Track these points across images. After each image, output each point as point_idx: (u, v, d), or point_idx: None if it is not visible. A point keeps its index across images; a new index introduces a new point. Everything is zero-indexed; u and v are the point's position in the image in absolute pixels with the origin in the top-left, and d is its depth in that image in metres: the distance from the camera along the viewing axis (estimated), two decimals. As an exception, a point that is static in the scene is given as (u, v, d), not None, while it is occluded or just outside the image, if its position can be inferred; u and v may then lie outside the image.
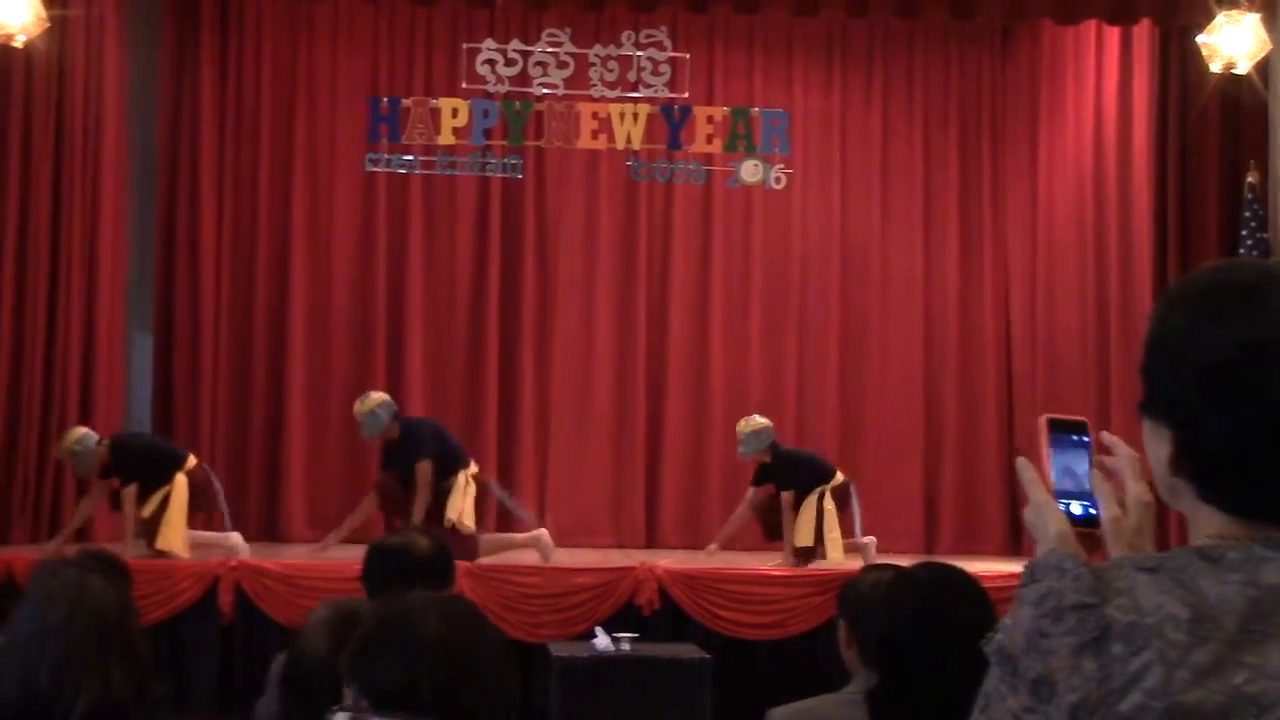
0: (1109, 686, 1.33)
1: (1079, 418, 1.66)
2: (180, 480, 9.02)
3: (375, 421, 9.25)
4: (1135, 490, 1.55)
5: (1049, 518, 1.52)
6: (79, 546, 2.95)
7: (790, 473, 9.40)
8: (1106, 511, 1.55)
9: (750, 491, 9.68)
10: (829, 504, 9.25)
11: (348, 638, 2.78)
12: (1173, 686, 1.31)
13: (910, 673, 2.73)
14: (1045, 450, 1.63)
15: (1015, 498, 11.62)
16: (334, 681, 2.63)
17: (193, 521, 9.20)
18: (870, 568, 3.31)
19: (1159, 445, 1.47)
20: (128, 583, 2.70)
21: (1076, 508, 1.59)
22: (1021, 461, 1.60)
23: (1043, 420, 1.65)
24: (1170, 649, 1.33)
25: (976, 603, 2.82)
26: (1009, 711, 1.37)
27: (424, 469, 8.98)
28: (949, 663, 2.67)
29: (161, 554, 8.82)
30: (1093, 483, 1.59)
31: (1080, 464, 1.62)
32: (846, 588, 3.30)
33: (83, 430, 9.17)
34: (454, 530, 8.83)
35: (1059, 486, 1.60)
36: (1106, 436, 1.61)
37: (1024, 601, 1.41)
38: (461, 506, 8.99)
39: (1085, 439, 1.64)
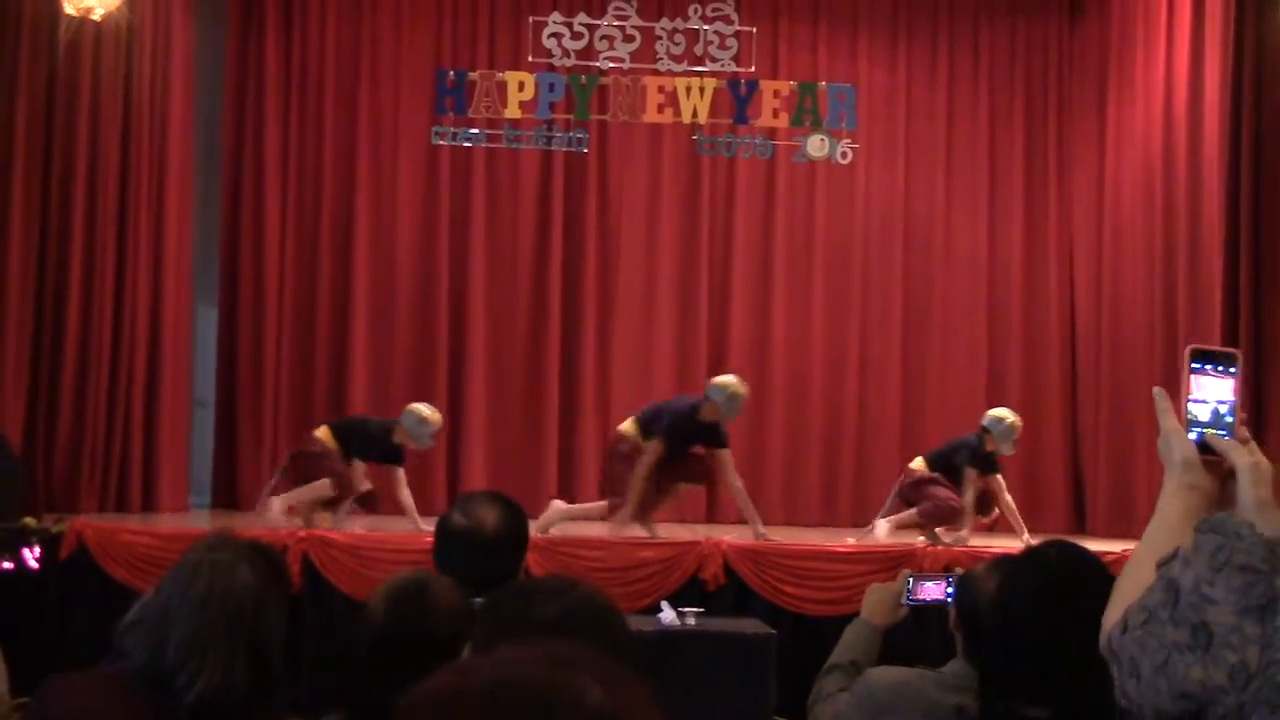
0: (1270, 656, 1.34)
1: (1231, 349, 1.66)
2: None
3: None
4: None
5: (1175, 445, 1.57)
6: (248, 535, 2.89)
7: None
8: (1246, 457, 1.57)
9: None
10: None
11: (403, 605, 2.78)
12: None
13: (1025, 650, 2.64)
14: (1185, 380, 1.63)
15: (1079, 472, 11.55)
16: (386, 647, 2.64)
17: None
18: (991, 563, 3.28)
19: None
20: (280, 585, 2.67)
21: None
22: (1158, 390, 1.63)
23: (1187, 350, 1.65)
24: None
25: (1099, 583, 2.75)
26: (1169, 640, 1.41)
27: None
28: (1064, 643, 2.59)
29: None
30: (1235, 427, 1.60)
31: (1221, 393, 1.61)
32: (965, 579, 3.27)
33: None
34: None
35: (1192, 416, 1.61)
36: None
37: (1201, 549, 1.45)
38: None
39: (1233, 370, 1.63)
